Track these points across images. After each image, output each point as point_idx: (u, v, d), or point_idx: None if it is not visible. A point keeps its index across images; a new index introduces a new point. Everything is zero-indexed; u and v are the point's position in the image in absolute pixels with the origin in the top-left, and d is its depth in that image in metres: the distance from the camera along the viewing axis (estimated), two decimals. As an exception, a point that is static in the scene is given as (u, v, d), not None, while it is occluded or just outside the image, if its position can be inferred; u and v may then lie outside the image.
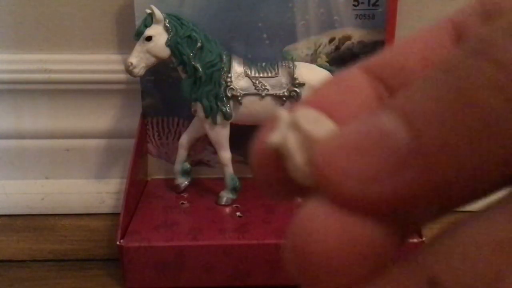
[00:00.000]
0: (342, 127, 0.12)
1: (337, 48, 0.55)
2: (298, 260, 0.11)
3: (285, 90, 0.51)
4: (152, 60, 0.50)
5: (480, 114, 0.09)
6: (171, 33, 0.49)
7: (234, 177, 0.53)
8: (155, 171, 0.60)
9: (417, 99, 0.10)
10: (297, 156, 0.12)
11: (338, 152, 0.11)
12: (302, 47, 0.55)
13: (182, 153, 0.55)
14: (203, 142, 0.57)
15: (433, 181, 0.10)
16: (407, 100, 0.10)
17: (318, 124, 0.12)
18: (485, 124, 0.09)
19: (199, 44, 0.50)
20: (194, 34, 0.50)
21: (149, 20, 0.49)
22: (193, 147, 0.56)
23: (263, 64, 0.52)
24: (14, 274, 0.50)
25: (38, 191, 0.61)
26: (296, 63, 0.51)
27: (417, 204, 0.10)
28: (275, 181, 0.13)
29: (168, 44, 0.49)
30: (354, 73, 0.14)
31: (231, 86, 0.50)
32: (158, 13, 0.49)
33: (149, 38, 0.49)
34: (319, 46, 0.55)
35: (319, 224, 0.11)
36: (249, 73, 0.51)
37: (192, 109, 0.52)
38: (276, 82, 0.51)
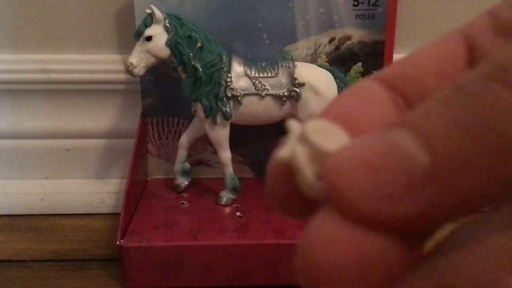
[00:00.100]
0: (355, 140, 0.11)
1: (337, 48, 0.55)
2: (309, 274, 0.11)
3: (285, 90, 0.51)
4: (152, 60, 0.50)
5: (499, 140, 0.10)
6: (171, 33, 0.49)
7: (234, 177, 0.53)
8: (155, 171, 0.60)
9: (435, 121, 0.10)
10: (306, 170, 0.12)
11: (352, 167, 0.11)
12: (302, 47, 0.55)
13: (182, 153, 0.55)
14: (203, 142, 0.57)
15: (448, 202, 0.10)
16: (424, 120, 0.10)
17: (330, 136, 0.12)
18: (505, 149, 0.10)
19: (199, 44, 0.50)
20: (194, 34, 0.50)
21: (149, 20, 0.49)
22: (193, 147, 0.56)
23: (263, 64, 0.52)
24: (14, 274, 0.50)
25: (38, 191, 0.61)
26: (296, 63, 0.51)
27: (430, 221, 0.11)
28: (288, 198, 0.13)
29: (168, 44, 0.49)
30: (370, 85, 0.14)
31: (231, 86, 0.50)
32: (158, 13, 0.49)
33: (149, 38, 0.49)
34: (319, 46, 0.55)
35: (330, 238, 0.11)
36: (249, 73, 0.51)
37: (192, 109, 0.52)
38: (276, 82, 0.51)
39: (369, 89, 0.14)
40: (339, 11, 0.54)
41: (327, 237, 0.11)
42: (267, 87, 0.51)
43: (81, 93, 0.59)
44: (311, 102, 0.51)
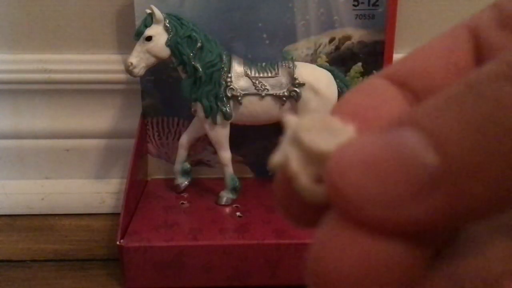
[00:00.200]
0: (358, 139, 0.11)
1: (337, 48, 0.55)
2: (321, 283, 0.11)
3: (285, 90, 0.51)
4: (152, 60, 0.49)
5: None
6: (171, 33, 0.49)
7: (234, 177, 0.53)
8: (155, 171, 0.60)
9: (445, 121, 0.10)
10: (301, 175, 0.11)
11: (356, 169, 0.10)
12: (302, 47, 0.55)
13: (182, 153, 0.55)
14: (203, 142, 0.57)
15: (458, 207, 0.10)
16: (433, 120, 0.10)
17: (327, 133, 0.11)
18: None
19: (199, 44, 0.50)
20: (194, 34, 0.50)
21: (149, 20, 0.49)
22: (193, 147, 0.56)
23: (263, 64, 0.52)
24: (14, 274, 0.50)
25: (38, 191, 0.61)
26: (296, 63, 0.51)
27: (441, 226, 0.10)
28: (292, 205, 0.12)
29: (168, 44, 0.49)
30: (379, 82, 0.14)
31: (231, 86, 0.50)
32: (158, 13, 0.49)
33: (149, 38, 0.49)
34: (319, 46, 0.55)
35: (337, 246, 0.10)
36: (249, 73, 0.51)
37: (192, 109, 0.52)
38: (276, 82, 0.51)
39: (379, 86, 0.14)
40: (339, 11, 0.54)
41: (335, 245, 0.10)
42: (267, 87, 0.51)
43: (81, 93, 0.59)
44: (311, 102, 0.51)
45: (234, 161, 0.54)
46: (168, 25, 0.49)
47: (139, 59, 0.49)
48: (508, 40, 0.13)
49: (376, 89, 0.14)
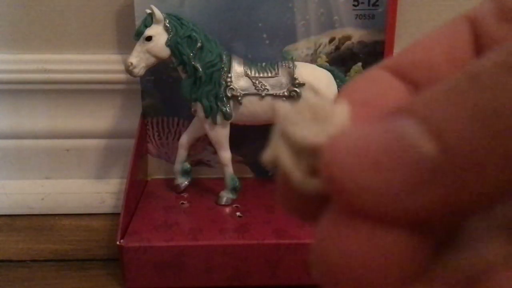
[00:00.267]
0: (355, 129, 0.11)
1: (337, 48, 0.55)
2: (326, 277, 0.10)
3: (285, 90, 0.51)
4: (152, 60, 0.49)
5: None
6: (171, 33, 0.49)
7: (234, 177, 0.53)
8: (155, 171, 0.60)
9: (446, 111, 0.10)
10: (293, 169, 0.11)
11: (353, 159, 0.10)
12: (302, 47, 0.55)
13: (182, 153, 0.55)
14: (203, 142, 0.57)
15: (459, 198, 0.10)
16: (433, 110, 0.10)
17: (316, 122, 0.11)
18: None
19: (199, 44, 0.50)
20: (194, 34, 0.50)
21: (149, 20, 0.49)
22: (193, 147, 0.56)
23: (263, 64, 0.52)
24: (14, 274, 0.50)
25: (38, 191, 0.61)
26: (296, 63, 0.51)
27: (441, 217, 0.10)
28: (293, 200, 0.12)
29: (168, 44, 0.49)
30: (381, 73, 0.13)
31: (231, 86, 0.50)
32: (158, 13, 0.49)
33: (149, 38, 0.49)
34: (319, 46, 0.55)
35: (339, 239, 0.10)
36: (249, 73, 0.51)
37: (192, 109, 0.52)
38: (276, 82, 0.51)
39: (382, 76, 0.13)
40: (339, 11, 0.54)
41: (337, 236, 0.10)
42: (267, 87, 0.51)
43: (81, 93, 0.59)
44: (311, 102, 0.51)
45: (234, 161, 0.54)
46: (168, 25, 0.49)
47: (139, 59, 0.49)
48: (508, 33, 0.13)
49: (380, 79, 0.13)
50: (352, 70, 0.55)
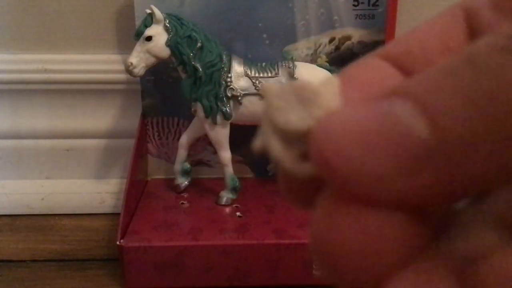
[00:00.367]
0: (345, 110, 0.10)
1: (337, 48, 0.55)
2: (325, 261, 0.10)
3: (285, 90, 0.51)
4: (152, 60, 0.49)
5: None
6: (171, 33, 0.49)
7: (234, 177, 0.53)
8: (155, 171, 0.60)
9: (440, 93, 0.09)
10: (285, 158, 0.10)
11: (343, 141, 0.10)
12: (302, 47, 0.55)
13: (182, 153, 0.55)
14: (203, 142, 0.57)
15: (452, 182, 0.09)
16: (427, 92, 0.10)
17: (301, 106, 0.10)
18: None
19: (199, 44, 0.50)
20: (194, 34, 0.50)
21: (149, 20, 0.49)
22: (193, 147, 0.56)
23: (263, 64, 0.52)
24: (14, 274, 0.50)
25: (38, 191, 0.61)
26: (296, 63, 0.51)
27: (434, 201, 0.10)
28: (290, 186, 0.12)
29: (168, 44, 0.49)
30: (377, 61, 0.13)
31: (231, 86, 0.50)
32: (158, 13, 0.49)
33: (149, 38, 0.49)
34: (319, 46, 0.55)
35: (335, 223, 0.10)
36: (249, 73, 0.51)
37: (192, 109, 0.52)
38: (276, 82, 0.51)
39: (379, 64, 0.13)
40: (339, 11, 0.54)
41: (333, 223, 0.10)
42: (267, 87, 0.51)
43: (81, 93, 0.59)
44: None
45: (234, 161, 0.54)
46: (168, 25, 0.49)
47: (139, 59, 0.49)
48: (503, 22, 0.13)
49: (376, 66, 0.13)
50: (352, 70, 0.55)
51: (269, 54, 0.54)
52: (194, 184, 0.57)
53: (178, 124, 0.58)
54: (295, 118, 0.10)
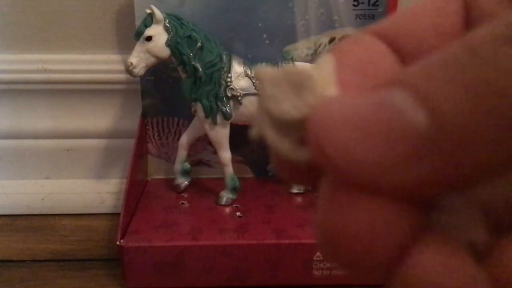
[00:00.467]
0: (341, 98, 0.10)
1: (337, 48, 0.55)
2: (327, 249, 0.10)
3: (285, 90, 0.51)
4: (152, 60, 0.50)
5: None
6: (171, 33, 0.49)
7: (234, 177, 0.53)
8: (155, 171, 0.60)
9: (440, 82, 0.09)
10: (281, 145, 0.10)
11: (341, 130, 0.10)
12: (302, 47, 0.55)
13: (182, 153, 0.55)
14: (203, 142, 0.57)
15: (449, 172, 0.09)
16: (426, 80, 0.09)
17: (295, 92, 0.10)
18: None
19: (199, 44, 0.50)
20: (194, 34, 0.50)
21: (149, 20, 0.49)
22: (193, 147, 0.56)
23: (263, 64, 0.52)
24: (14, 274, 0.50)
25: (38, 191, 0.61)
26: (296, 63, 0.51)
27: (433, 191, 0.10)
28: (288, 169, 0.12)
29: (168, 44, 0.49)
30: (369, 37, 0.13)
31: (231, 86, 0.50)
32: (158, 13, 0.49)
33: (149, 38, 0.49)
34: (319, 46, 0.55)
35: (338, 211, 0.10)
36: (249, 73, 0.51)
37: (192, 109, 0.52)
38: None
39: (371, 41, 0.13)
40: (339, 11, 0.54)
41: (334, 211, 0.10)
42: (267, 87, 0.51)
43: (81, 93, 0.59)
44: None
45: (234, 161, 0.54)
46: (168, 25, 0.49)
47: (139, 59, 0.49)
48: (498, 6, 0.13)
49: (369, 44, 0.13)
50: (352, 70, 0.55)
51: (269, 54, 0.54)
52: (194, 184, 0.57)
53: (178, 124, 0.58)
54: (290, 107, 0.10)
